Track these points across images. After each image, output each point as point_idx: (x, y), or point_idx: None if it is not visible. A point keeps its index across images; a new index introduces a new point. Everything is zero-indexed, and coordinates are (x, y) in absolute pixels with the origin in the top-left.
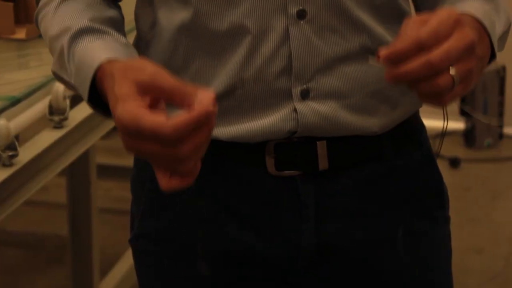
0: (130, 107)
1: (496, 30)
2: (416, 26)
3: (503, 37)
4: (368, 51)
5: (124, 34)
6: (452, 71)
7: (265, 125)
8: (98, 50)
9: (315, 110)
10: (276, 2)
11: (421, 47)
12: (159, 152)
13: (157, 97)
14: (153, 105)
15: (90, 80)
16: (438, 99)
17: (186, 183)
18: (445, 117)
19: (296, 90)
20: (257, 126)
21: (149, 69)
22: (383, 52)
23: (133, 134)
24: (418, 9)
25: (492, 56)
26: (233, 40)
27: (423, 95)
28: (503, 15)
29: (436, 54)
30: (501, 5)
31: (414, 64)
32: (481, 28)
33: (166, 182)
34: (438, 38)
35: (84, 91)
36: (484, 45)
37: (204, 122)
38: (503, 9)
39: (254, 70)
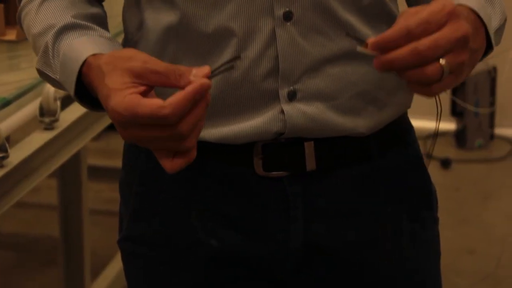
0: (123, 96)
1: (492, 24)
2: (410, 16)
3: (499, 31)
4: (355, 53)
5: (107, 28)
6: (442, 62)
7: (252, 127)
8: (84, 45)
9: (302, 111)
10: (262, 4)
11: (409, 35)
12: (159, 135)
13: (152, 83)
14: (144, 95)
15: (76, 74)
16: (427, 89)
17: (189, 160)
18: (439, 116)
19: (283, 92)
20: (244, 127)
21: (140, 56)
22: (372, 39)
23: (130, 123)
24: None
25: (489, 47)
26: (219, 42)
27: (411, 83)
28: (499, 9)
29: (424, 42)
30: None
31: (402, 51)
32: (477, 19)
33: (169, 164)
34: (428, 28)
35: (71, 85)
36: (479, 37)
37: (201, 96)
38: (498, 3)
39: (241, 72)
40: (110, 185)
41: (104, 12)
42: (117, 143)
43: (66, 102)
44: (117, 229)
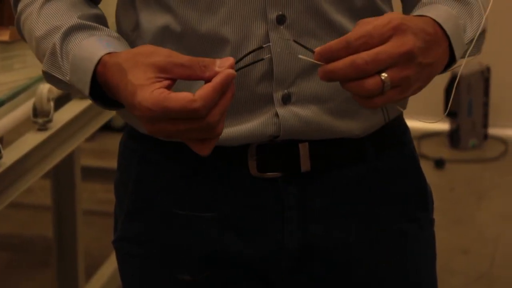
0: (150, 92)
1: (467, 34)
2: (364, 25)
3: (479, 40)
4: None
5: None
6: (383, 76)
7: (246, 130)
8: (95, 45)
9: (296, 115)
10: (255, 7)
11: (349, 47)
12: (189, 127)
13: (177, 76)
14: (168, 89)
15: (91, 74)
16: (368, 101)
17: (217, 140)
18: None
19: (278, 95)
20: (239, 130)
21: (161, 51)
22: (317, 48)
23: (159, 118)
24: (404, 11)
25: (453, 59)
26: (214, 44)
27: (353, 94)
28: (477, 19)
29: (362, 56)
30: (476, 9)
31: (340, 63)
32: (440, 32)
33: (200, 148)
34: (369, 41)
35: (85, 85)
36: (436, 51)
37: (228, 87)
38: (477, 13)
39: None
40: (105, 186)
41: (102, 12)
42: (112, 143)
43: (59, 103)
44: (111, 230)
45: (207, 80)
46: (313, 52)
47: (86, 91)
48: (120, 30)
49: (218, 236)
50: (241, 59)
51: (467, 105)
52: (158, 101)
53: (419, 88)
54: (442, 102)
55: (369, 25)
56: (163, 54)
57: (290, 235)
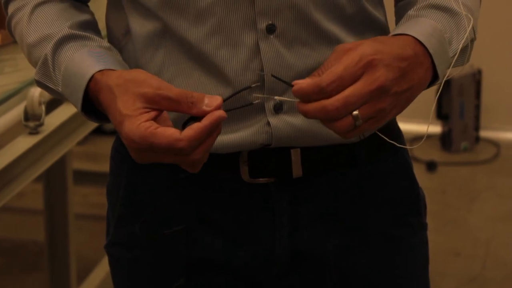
0: (137, 125)
1: (453, 46)
2: (339, 57)
3: (466, 50)
4: None
5: (101, 34)
6: (354, 113)
7: (238, 139)
8: (87, 60)
9: (288, 123)
10: (244, 17)
11: (321, 92)
12: (172, 159)
13: (164, 108)
14: (156, 118)
15: (83, 91)
16: (342, 135)
17: (197, 171)
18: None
19: (269, 104)
20: (231, 139)
21: (151, 81)
22: (295, 87)
23: (145, 150)
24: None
25: (436, 77)
26: (205, 54)
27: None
28: (463, 30)
29: (332, 102)
30: (463, 21)
31: (312, 107)
32: (421, 51)
33: (190, 170)
34: (341, 84)
35: (77, 101)
36: (418, 72)
37: (215, 129)
38: (463, 25)
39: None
40: (97, 189)
41: (93, 15)
42: (103, 147)
43: (51, 107)
44: (103, 234)
45: (195, 115)
46: (291, 85)
47: (79, 107)
48: (110, 35)
49: (208, 242)
50: (229, 97)
51: (459, 107)
52: (144, 136)
53: (399, 112)
54: (433, 105)
55: (340, 66)
56: (153, 86)
57: (281, 241)
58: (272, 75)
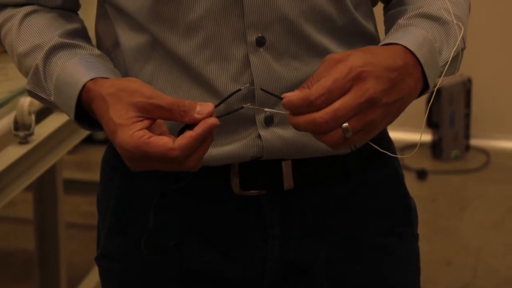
0: (131, 134)
1: (443, 56)
2: (328, 68)
3: (456, 59)
4: None
5: (91, 42)
6: (343, 125)
7: (229, 152)
8: (78, 69)
9: (279, 136)
10: (234, 30)
11: (311, 105)
12: (167, 167)
13: (156, 117)
14: (149, 126)
15: (75, 100)
16: (333, 147)
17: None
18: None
19: (260, 117)
20: (221, 152)
21: (144, 90)
22: (284, 100)
23: (139, 158)
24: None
25: (427, 86)
26: (194, 68)
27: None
28: (453, 40)
29: (321, 115)
30: (453, 30)
31: (301, 120)
32: (412, 61)
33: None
34: (330, 97)
35: (70, 110)
36: (408, 83)
37: (208, 136)
38: (454, 33)
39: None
40: (87, 198)
41: (83, 23)
42: (94, 156)
43: (40, 116)
44: (94, 243)
45: (187, 123)
46: (281, 98)
47: (72, 116)
48: (100, 45)
49: (200, 254)
50: (220, 103)
51: (449, 116)
52: (138, 145)
53: (390, 122)
54: (425, 114)
55: (329, 79)
56: (145, 95)
57: (272, 252)
58: (261, 89)
